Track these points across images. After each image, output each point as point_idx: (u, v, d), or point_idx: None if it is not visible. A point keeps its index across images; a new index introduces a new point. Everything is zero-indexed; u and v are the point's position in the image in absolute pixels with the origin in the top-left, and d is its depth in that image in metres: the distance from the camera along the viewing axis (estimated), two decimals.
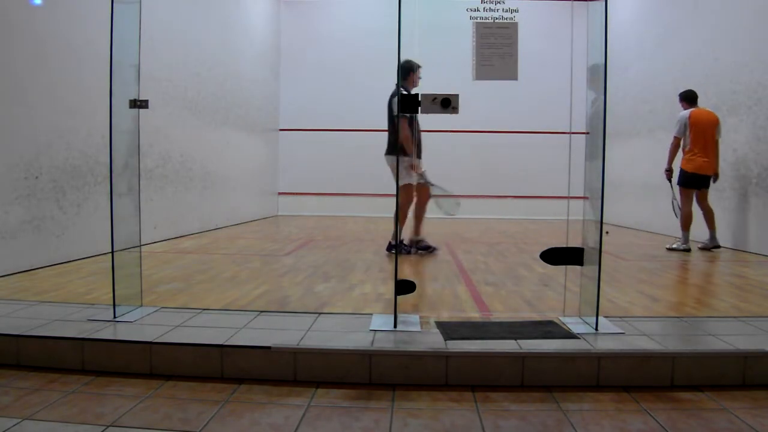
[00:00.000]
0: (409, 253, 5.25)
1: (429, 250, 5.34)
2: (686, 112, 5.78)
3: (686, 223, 5.80)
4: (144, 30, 2.80)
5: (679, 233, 5.81)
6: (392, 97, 5.07)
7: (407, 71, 5.16)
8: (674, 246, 5.78)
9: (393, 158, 5.07)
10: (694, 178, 5.71)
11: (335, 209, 10.58)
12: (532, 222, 9.72)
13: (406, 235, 5.39)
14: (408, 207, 5.21)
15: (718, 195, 6.07)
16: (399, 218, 4.82)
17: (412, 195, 5.22)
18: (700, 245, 5.76)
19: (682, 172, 5.79)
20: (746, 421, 1.96)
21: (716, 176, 5.78)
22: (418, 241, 5.36)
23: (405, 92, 4.83)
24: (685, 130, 5.74)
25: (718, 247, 5.65)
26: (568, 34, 3.91)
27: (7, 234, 3.87)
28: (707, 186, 5.76)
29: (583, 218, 2.77)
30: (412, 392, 2.20)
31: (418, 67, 5.18)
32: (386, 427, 1.90)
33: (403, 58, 2.68)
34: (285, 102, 10.79)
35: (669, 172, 5.93)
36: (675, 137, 5.85)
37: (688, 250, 5.64)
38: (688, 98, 5.94)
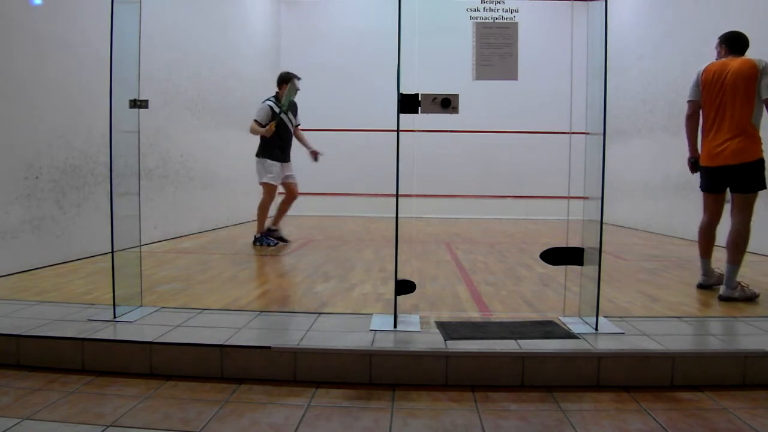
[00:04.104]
0: (269, 245, 5.63)
1: (283, 241, 5.85)
2: (702, 66, 3.66)
3: (700, 244, 3.70)
4: (144, 30, 2.80)
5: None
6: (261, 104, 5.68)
7: (281, 82, 5.63)
8: (701, 282, 3.74)
9: (256, 160, 5.71)
10: (706, 174, 3.58)
11: (335, 209, 10.57)
12: (532, 222, 9.72)
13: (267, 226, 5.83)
14: (269, 204, 5.67)
15: None
16: (260, 214, 5.64)
17: (274, 193, 5.70)
18: (720, 292, 3.42)
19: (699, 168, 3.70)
20: (746, 421, 1.96)
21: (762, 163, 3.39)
22: (274, 231, 5.83)
23: (275, 102, 5.54)
24: (698, 91, 3.61)
25: (731, 299, 3.34)
26: (568, 34, 3.92)
27: (7, 234, 3.87)
28: (738, 188, 3.42)
29: (583, 218, 2.77)
30: (412, 392, 2.20)
31: (297, 78, 5.57)
32: (386, 427, 1.90)
33: (402, 59, 2.68)
34: None
35: (694, 162, 3.70)
36: (689, 102, 3.65)
37: (707, 287, 3.67)
38: (729, 41, 3.60)
